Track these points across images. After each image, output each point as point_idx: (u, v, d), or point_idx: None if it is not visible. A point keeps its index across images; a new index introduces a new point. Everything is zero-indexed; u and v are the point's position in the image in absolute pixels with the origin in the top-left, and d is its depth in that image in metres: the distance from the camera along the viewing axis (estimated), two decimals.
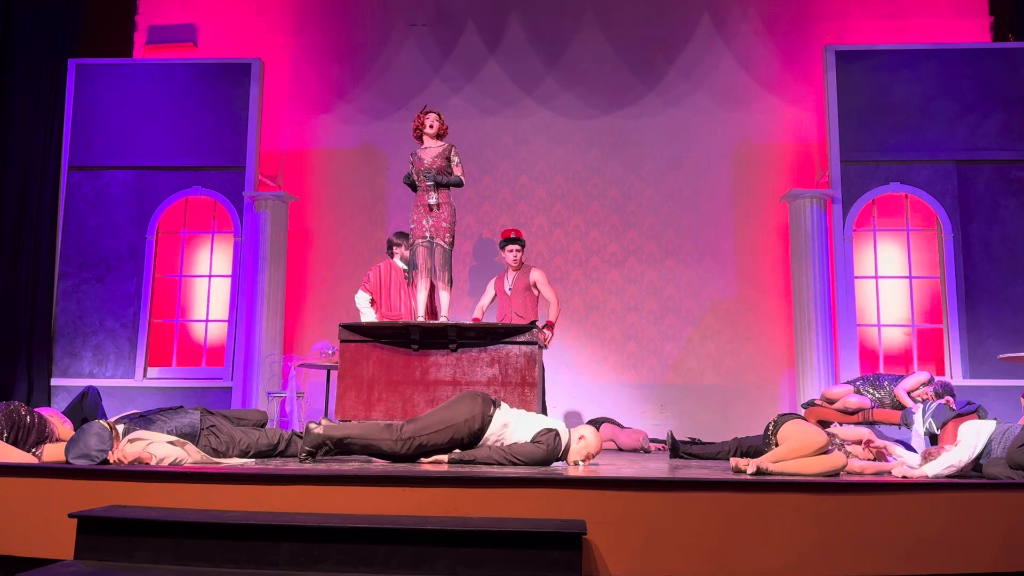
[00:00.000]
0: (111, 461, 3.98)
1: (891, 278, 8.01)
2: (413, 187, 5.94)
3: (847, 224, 7.90)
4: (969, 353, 7.60)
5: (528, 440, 4.29)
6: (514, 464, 4.18)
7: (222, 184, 8.32)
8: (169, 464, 4.00)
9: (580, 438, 4.39)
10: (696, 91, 8.60)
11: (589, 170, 8.62)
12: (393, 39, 8.87)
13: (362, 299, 6.32)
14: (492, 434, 4.31)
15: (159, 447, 4.06)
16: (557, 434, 4.29)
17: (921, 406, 5.65)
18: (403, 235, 6.39)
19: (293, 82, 8.89)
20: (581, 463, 4.37)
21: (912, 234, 8.03)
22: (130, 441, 4.07)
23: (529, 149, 8.67)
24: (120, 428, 4.17)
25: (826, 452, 4.17)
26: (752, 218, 8.39)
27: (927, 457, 4.14)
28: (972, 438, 4.10)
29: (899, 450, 4.55)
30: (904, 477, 3.94)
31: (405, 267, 6.37)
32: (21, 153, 8.34)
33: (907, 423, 5.71)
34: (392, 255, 6.52)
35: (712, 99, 8.58)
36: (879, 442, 4.64)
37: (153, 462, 3.97)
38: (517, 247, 6.52)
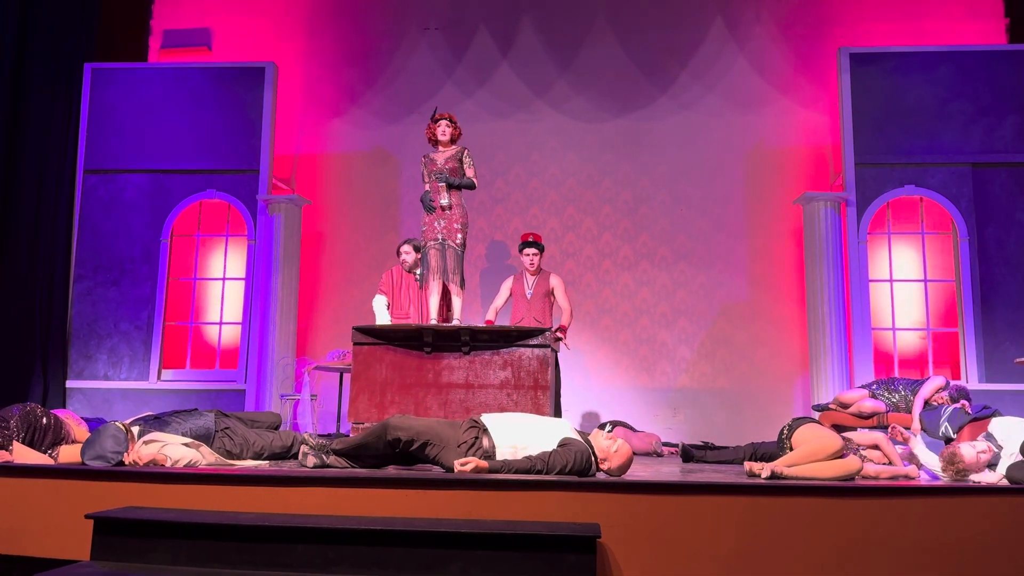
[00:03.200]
0: (126, 463, 4.00)
1: (906, 281, 7.96)
2: (428, 209, 5.88)
3: (861, 227, 7.85)
4: (985, 357, 7.54)
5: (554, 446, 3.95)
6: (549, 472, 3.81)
7: (236, 187, 8.36)
8: (184, 466, 4.02)
9: (614, 448, 4.01)
10: (709, 94, 8.58)
11: (601, 173, 8.61)
12: (406, 43, 8.89)
13: (379, 302, 6.34)
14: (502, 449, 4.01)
15: (174, 449, 4.08)
16: (586, 450, 3.94)
17: (944, 409, 5.61)
18: (407, 240, 6.60)
19: (306, 86, 8.92)
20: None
21: (927, 237, 7.98)
22: (145, 443, 4.10)
23: (541, 152, 8.67)
24: (135, 430, 4.20)
25: (841, 456, 4.15)
26: (765, 221, 8.36)
27: (950, 460, 4.14)
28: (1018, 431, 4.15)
29: (919, 448, 4.51)
30: (976, 483, 3.97)
31: (406, 270, 6.44)
32: (37, 157, 8.41)
33: (928, 429, 5.65)
34: (400, 260, 6.58)
35: (725, 102, 8.55)
36: (903, 432, 4.68)
37: (168, 463, 3.99)
38: (534, 251, 6.50)
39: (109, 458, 3.98)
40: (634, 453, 6.60)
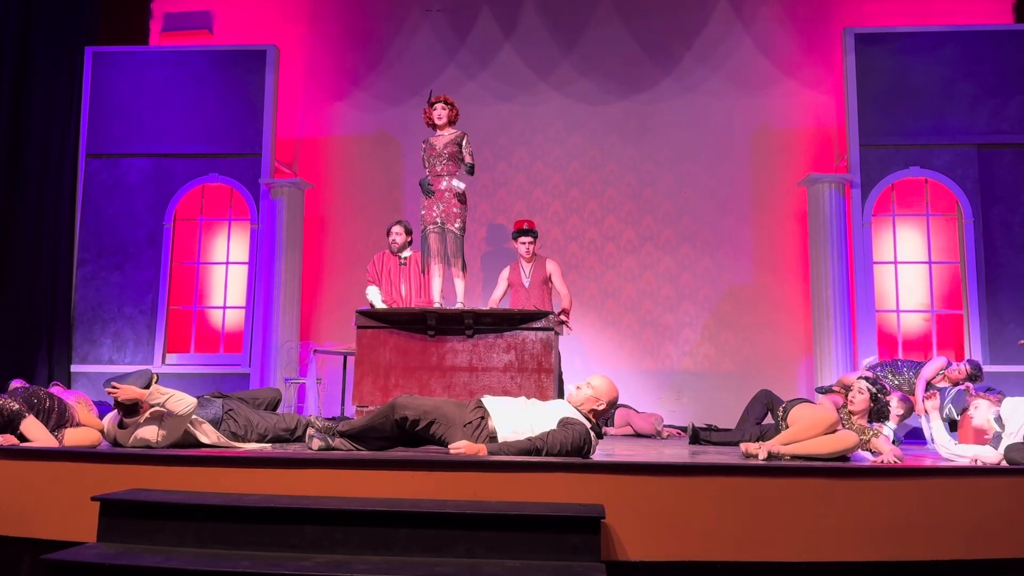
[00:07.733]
0: (116, 387, 4.07)
1: (910, 263, 7.94)
2: (427, 193, 5.84)
3: (866, 209, 7.82)
4: (990, 339, 7.53)
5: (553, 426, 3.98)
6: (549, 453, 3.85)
7: (238, 171, 8.34)
8: (182, 410, 4.07)
9: (587, 385, 4.12)
10: (714, 76, 8.52)
11: (605, 156, 8.57)
12: (408, 25, 8.83)
13: (373, 293, 6.30)
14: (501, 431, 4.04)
15: (175, 400, 4.14)
16: (586, 428, 3.97)
17: (948, 390, 5.62)
18: (398, 221, 6.56)
19: (308, 69, 8.88)
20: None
21: (932, 219, 7.94)
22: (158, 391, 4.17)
23: (545, 135, 8.63)
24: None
25: (835, 431, 4.17)
26: (770, 203, 8.33)
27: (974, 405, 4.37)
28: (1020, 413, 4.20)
29: (936, 425, 4.50)
30: (974, 461, 4.03)
31: (393, 251, 6.43)
32: (40, 141, 8.39)
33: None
34: (390, 240, 6.54)
35: (730, 84, 8.49)
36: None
37: (161, 399, 4.03)
38: (529, 239, 6.47)
39: (120, 380, 4.09)
40: (638, 434, 6.65)
